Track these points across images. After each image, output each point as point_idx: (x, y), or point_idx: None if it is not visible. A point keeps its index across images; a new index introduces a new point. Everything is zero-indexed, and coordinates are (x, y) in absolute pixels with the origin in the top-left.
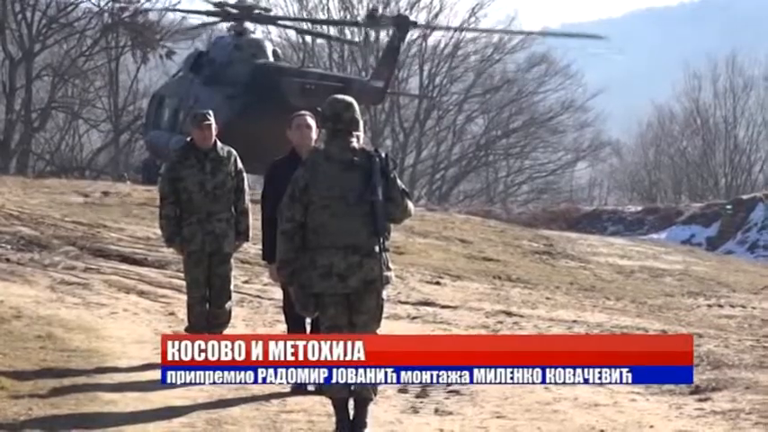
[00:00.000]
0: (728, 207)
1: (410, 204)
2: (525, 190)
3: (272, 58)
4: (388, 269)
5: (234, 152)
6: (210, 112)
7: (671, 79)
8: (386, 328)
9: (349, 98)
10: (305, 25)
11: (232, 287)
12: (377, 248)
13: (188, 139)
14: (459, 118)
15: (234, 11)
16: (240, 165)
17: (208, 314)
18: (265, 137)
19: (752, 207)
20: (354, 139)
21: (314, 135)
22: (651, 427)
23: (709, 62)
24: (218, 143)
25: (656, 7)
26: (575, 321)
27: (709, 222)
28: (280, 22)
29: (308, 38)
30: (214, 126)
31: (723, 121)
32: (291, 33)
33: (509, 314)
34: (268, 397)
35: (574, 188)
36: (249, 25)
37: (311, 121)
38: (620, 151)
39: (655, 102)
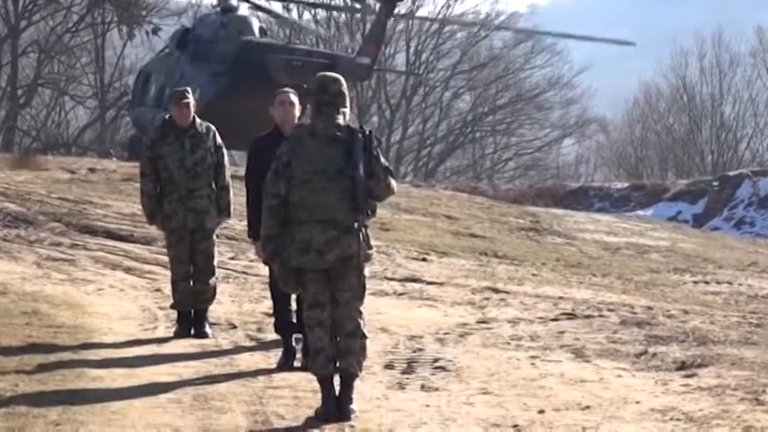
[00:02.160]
0: (715, 184)
1: (393, 182)
2: (512, 166)
3: (258, 35)
4: (369, 246)
5: (213, 128)
6: (189, 89)
7: (657, 56)
8: (371, 304)
9: (336, 74)
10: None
11: (215, 263)
12: (355, 225)
13: (167, 116)
14: (445, 94)
15: None
16: (219, 140)
17: (192, 291)
18: (252, 113)
19: (738, 184)
20: (341, 116)
21: (297, 112)
22: (637, 402)
23: (696, 39)
24: (197, 120)
25: None
26: (561, 298)
27: (696, 199)
28: None
29: (295, 13)
30: (193, 103)
31: (710, 98)
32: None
33: (495, 291)
34: (255, 373)
35: (560, 165)
36: (235, 2)
37: (294, 98)
38: (607, 128)
39: (641, 79)
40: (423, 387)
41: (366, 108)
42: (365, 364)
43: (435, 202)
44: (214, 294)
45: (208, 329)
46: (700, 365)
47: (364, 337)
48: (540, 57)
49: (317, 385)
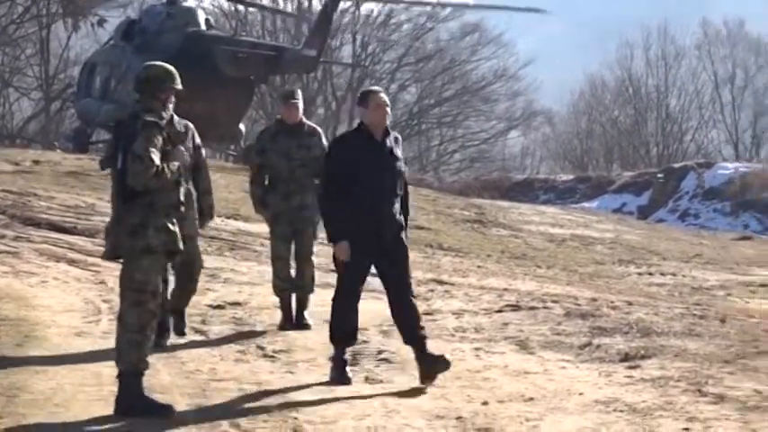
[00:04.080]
0: (660, 176)
1: (135, 167)
2: (458, 158)
3: (204, 27)
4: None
5: (192, 126)
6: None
7: (603, 49)
8: (317, 296)
9: None
10: None
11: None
12: None
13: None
14: (391, 87)
15: None
16: (198, 140)
17: (178, 296)
18: (198, 105)
19: (683, 176)
20: None
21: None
22: (580, 394)
23: (642, 31)
24: (175, 117)
25: None
26: (505, 290)
27: (641, 191)
28: None
29: (241, 7)
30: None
31: (655, 90)
32: (224, 2)
33: (440, 282)
34: (198, 366)
35: (506, 157)
36: None
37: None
38: (553, 120)
39: (587, 71)
40: (367, 379)
41: (312, 100)
42: (310, 356)
43: None
44: (189, 299)
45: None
46: (643, 357)
47: None
48: (486, 49)
49: (262, 377)
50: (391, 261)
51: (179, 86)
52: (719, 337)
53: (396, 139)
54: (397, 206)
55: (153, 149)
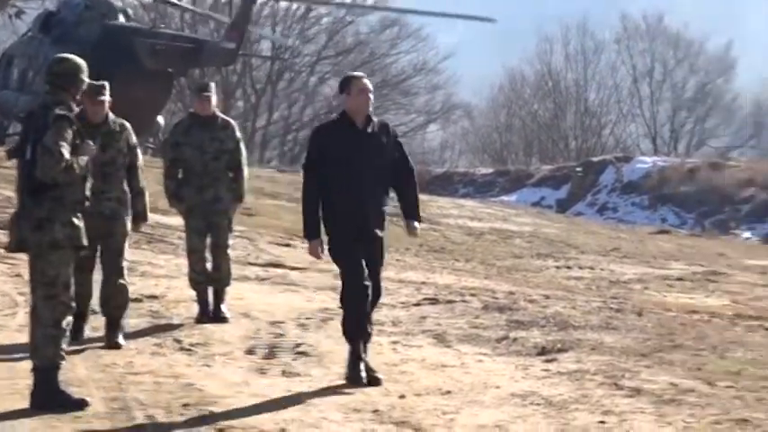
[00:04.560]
0: (578, 169)
1: (45, 160)
2: None
3: (122, 19)
4: None
5: (128, 125)
6: (106, 84)
7: (523, 42)
8: (234, 289)
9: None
10: None
11: (125, 264)
12: None
13: (77, 109)
14: (311, 80)
15: None
16: (134, 140)
17: (101, 294)
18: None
19: (602, 169)
20: None
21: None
22: (497, 387)
23: (561, 26)
24: (111, 116)
25: None
26: (423, 283)
27: (560, 185)
28: None
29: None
30: (108, 99)
31: (574, 84)
32: None
33: None
34: (114, 359)
35: (425, 150)
36: None
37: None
38: (472, 114)
39: (506, 65)
40: (284, 373)
41: (231, 93)
42: (226, 350)
43: (300, 188)
44: (127, 300)
45: (122, 340)
46: (560, 350)
47: None
48: (405, 42)
49: (178, 370)
50: (367, 253)
51: (87, 80)
52: (636, 330)
53: (382, 126)
54: (382, 194)
55: (63, 143)
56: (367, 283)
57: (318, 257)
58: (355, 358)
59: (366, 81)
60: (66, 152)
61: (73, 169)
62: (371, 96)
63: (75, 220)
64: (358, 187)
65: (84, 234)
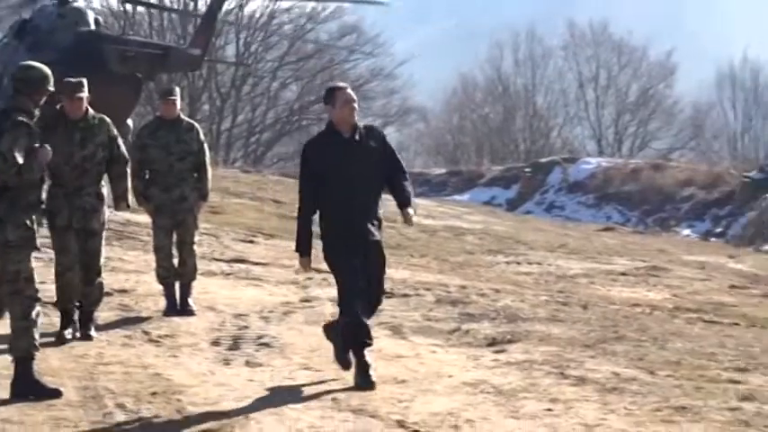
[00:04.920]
0: (527, 170)
1: None
2: None
3: (93, 26)
4: None
5: (107, 120)
6: (85, 81)
7: (475, 49)
8: (200, 284)
9: None
10: None
11: (102, 262)
12: None
13: (58, 107)
14: (273, 84)
15: None
16: (115, 132)
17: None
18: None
19: (549, 170)
20: None
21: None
22: (450, 376)
23: (511, 33)
24: (91, 111)
25: None
26: None
27: (509, 184)
28: None
29: (129, 5)
30: (86, 97)
31: (523, 89)
32: (113, 2)
33: (318, 271)
34: (86, 350)
35: None
36: None
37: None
38: (427, 117)
39: (459, 70)
40: (247, 363)
41: (197, 97)
42: (193, 341)
43: (263, 187)
44: (101, 295)
45: (94, 332)
46: (509, 341)
47: None
48: (364, 48)
49: (147, 360)
50: (366, 257)
51: (52, 88)
52: (581, 322)
53: (369, 131)
54: (375, 199)
55: (17, 148)
56: (362, 290)
57: (307, 271)
58: (365, 366)
59: (350, 92)
60: (19, 157)
61: (27, 173)
62: (356, 106)
63: (29, 223)
64: (350, 195)
65: (36, 236)
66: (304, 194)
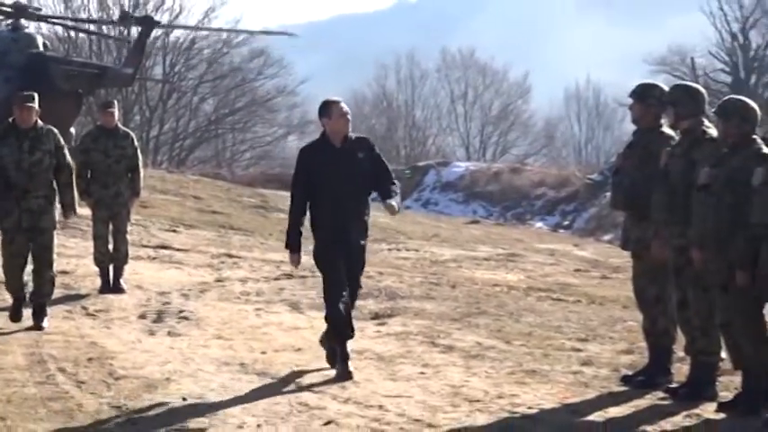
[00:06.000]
0: (407, 172)
1: None
2: (247, 157)
3: (42, 49)
4: None
5: (55, 131)
6: (35, 94)
7: (364, 70)
8: (130, 267)
9: None
10: (69, 23)
11: (54, 257)
12: None
13: (10, 119)
14: (194, 99)
15: (10, 10)
16: (62, 142)
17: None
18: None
19: (426, 172)
20: None
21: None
22: None
23: (394, 56)
24: (39, 123)
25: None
26: (282, 261)
27: None
28: (50, 19)
29: (73, 32)
30: (36, 108)
31: (404, 104)
32: (59, 29)
33: (230, 256)
34: (30, 328)
35: (285, 156)
36: (24, 21)
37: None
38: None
39: (351, 87)
40: (169, 333)
41: (130, 109)
42: (124, 315)
43: (185, 185)
44: (52, 289)
45: (45, 323)
46: (389, 316)
47: None
48: (270, 69)
49: (84, 331)
50: (349, 258)
51: None
52: (450, 299)
53: (360, 142)
54: (362, 205)
55: None
56: (345, 288)
57: (297, 267)
58: (344, 356)
59: (344, 105)
60: None
61: None
62: (350, 118)
63: None
64: (338, 200)
65: None
66: (295, 196)
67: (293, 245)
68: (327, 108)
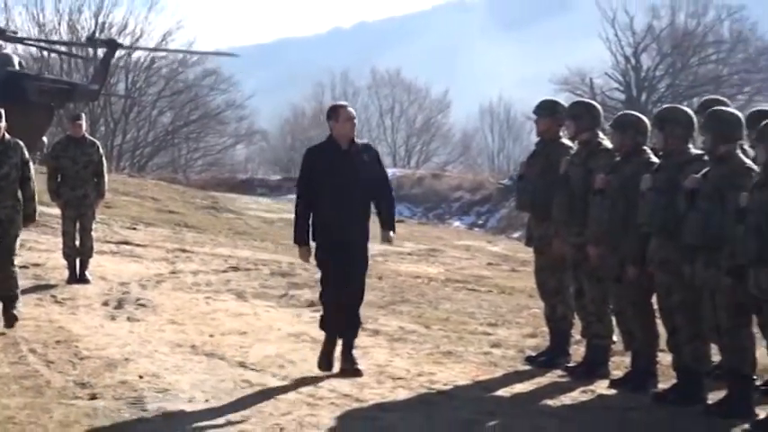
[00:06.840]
0: None
1: None
2: (200, 163)
3: (18, 67)
4: None
5: (21, 144)
6: (1, 111)
7: (304, 87)
8: (95, 260)
9: None
10: (43, 44)
11: (16, 259)
12: None
13: None
14: (153, 112)
15: None
16: (27, 156)
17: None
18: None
19: None
20: None
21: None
22: (279, 329)
23: (329, 75)
24: (6, 136)
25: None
26: (229, 256)
27: None
28: (25, 41)
29: (45, 52)
30: (4, 124)
31: None
32: (33, 49)
33: (183, 251)
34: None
35: (234, 162)
36: (1, 43)
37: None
38: (267, 137)
39: (292, 102)
40: (128, 318)
41: (96, 120)
42: (88, 303)
43: (144, 188)
44: (17, 285)
45: (17, 310)
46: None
47: None
48: (221, 85)
49: (53, 317)
50: (352, 258)
51: None
52: (377, 290)
53: (364, 147)
54: (364, 206)
55: None
56: (341, 289)
57: (307, 261)
58: (328, 350)
59: (350, 110)
60: None
61: None
62: (356, 122)
63: None
64: (341, 200)
65: None
66: (301, 194)
67: (301, 240)
68: (335, 111)
